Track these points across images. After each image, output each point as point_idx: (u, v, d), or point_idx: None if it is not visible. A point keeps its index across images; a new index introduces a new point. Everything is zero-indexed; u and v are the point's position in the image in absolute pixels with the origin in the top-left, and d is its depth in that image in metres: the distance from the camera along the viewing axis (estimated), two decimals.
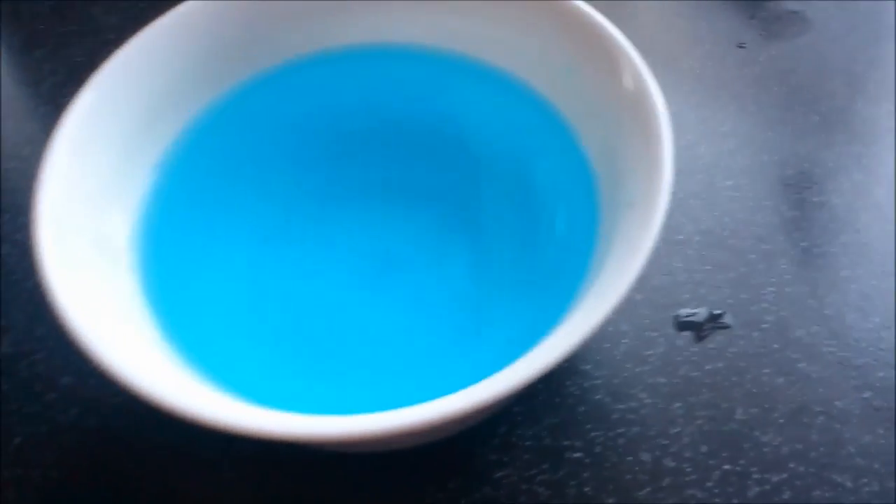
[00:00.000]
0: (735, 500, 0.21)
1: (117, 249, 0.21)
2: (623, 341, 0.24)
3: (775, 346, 0.23)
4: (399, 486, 0.22)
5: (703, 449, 0.22)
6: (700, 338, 0.24)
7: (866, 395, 0.22)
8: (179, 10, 0.23)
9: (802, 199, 0.26)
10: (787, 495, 0.21)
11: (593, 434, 0.22)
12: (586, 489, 0.22)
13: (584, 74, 0.22)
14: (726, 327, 0.24)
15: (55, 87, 0.30)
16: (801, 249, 0.25)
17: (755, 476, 0.22)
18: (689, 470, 0.22)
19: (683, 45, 0.29)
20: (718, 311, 0.24)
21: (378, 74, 0.24)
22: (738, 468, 0.22)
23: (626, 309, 0.24)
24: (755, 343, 0.24)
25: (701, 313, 0.24)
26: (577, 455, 0.22)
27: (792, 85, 0.28)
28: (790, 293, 0.24)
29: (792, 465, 0.22)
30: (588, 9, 0.21)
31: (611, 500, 0.21)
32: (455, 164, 0.23)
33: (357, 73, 0.24)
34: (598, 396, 0.23)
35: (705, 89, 0.28)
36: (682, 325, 0.24)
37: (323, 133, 0.24)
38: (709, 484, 0.22)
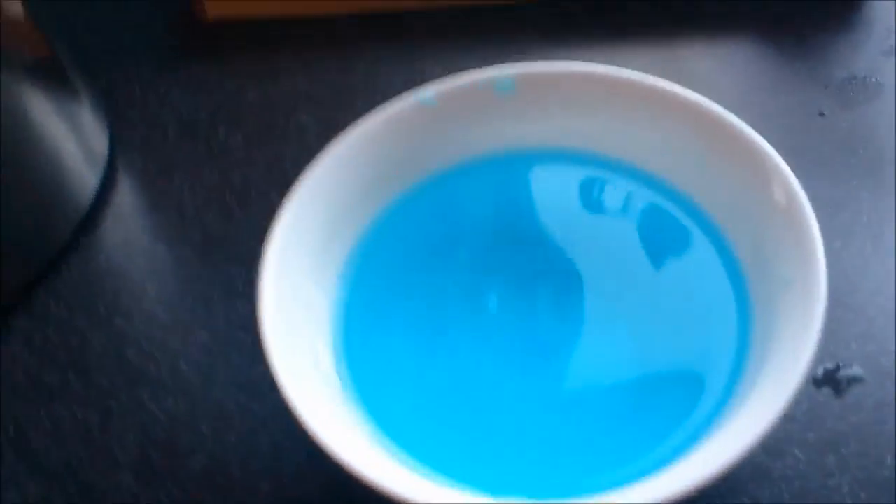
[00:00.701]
0: None
1: (322, 350, 0.24)
2: None
3: None
4: None
5: (863, 496, 0.23)
6: (839, 392, 0.25)
7: None
8: (352, 132, 0.24)
9: None
10: None
11: (759, 493, 0.24)
12: None
13: (733, 181, 0.24)
14: (861, 380, 0.25)
15: (197, 210, 0.32)
16: None
17: None
18: None
19: (768, 118, 0.31)
20: (850, 365, 0.25)
21: (533, 176, 0.26)
22: None
23: None
24: (890, 394, 0.25)
25: (835, 369, 0.25)
26: None
27: (876, 147, 0.30)
28: None
29: None
30: (739, 121, 0.23)
31: None
32: (604, 257, 0.25)
33: (513, 176, 0.26)
34: (756, 458, 0.24)
35: (796, 158, 0.29)
36: (820, 382, 0.25)
37: (485, 231, 0.26)
38: None
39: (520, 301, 0.24)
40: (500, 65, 0.26)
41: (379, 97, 0.33)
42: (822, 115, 0.31)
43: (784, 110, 0.31)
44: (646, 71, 0.30)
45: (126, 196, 0.33)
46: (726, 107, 0.25)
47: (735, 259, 0.24)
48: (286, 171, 0.32)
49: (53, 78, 0.32)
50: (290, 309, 0.23)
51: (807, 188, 0.29)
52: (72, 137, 0.32)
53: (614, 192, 0.26)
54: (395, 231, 0.25)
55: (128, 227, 0.32)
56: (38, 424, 0.27)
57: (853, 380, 0.25)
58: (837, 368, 0.25)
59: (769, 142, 0.30)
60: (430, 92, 0.25)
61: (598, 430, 0.22)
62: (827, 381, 0.25)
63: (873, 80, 0.32)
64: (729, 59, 0.34)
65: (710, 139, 0.24)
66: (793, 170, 0.29)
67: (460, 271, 0.25)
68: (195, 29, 0.37)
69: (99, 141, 0.33)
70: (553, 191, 0.26)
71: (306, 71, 0.35)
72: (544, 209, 0.26)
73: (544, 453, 0.22)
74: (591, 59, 0.33)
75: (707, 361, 0.23)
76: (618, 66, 0.33)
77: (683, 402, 0.22)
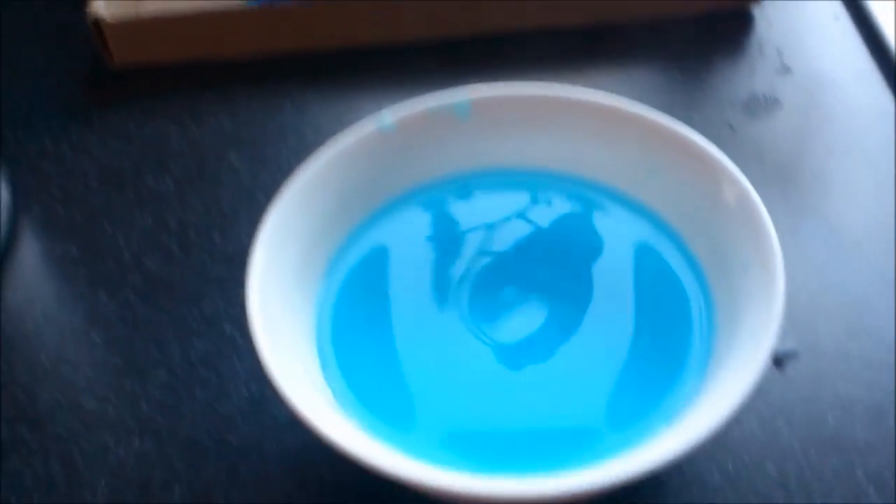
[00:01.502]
0: (849, 486, 0.30)
1: (306, 329, 0.30)
2: None
3: (839, 361, 0.32)
4: None
5: (813, 452, 0.30)
6: (780, 366, 0.32)
7: None
8: (316, 160, 0.30)
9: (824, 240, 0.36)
10: (888, 473, 0.30)
11: (723, 459, 0.30)
12: None
13: (684, 184, 0.31)
14: (797, 355, 0.33)
15: (135, 256, 0.36)
16: (834, 286, 0.34)
17: (858, 465, 0.30)
18: (808, 472, 0.30)
19: None
20: (786, 343, 0.33)
21: (495, 193, 0.33)
22: (843, 461, 0.30)
23: None
24: (823, 363, 0.32)
25: (775, 347, 0.33)
26: (717, 477, 0.30)
27: (782, 153, 0.38)
28: (839, 319, 0.33)
29: (883, 450, 0.30)
30: (686, 129, 0.31)
31: None
32: (569, 261, 0.31)
33: (475, 193, 0.33)
34: None
35: None
36: None
37: (450, 245, 0.32)
38: (826, 478, 0.30)
39: (491, 302, 0.30)
40: (456, 89, 0.32)
41: (310, 134, 0.40)
42: (731, 128, 0.40)
43: (698, 126, 0.39)
44: None
45: (49, 248, 0.37)
46: None
47: (691, 254, 0.31)
48: (224, 212, 0.37)
49: None
50: (276, 316, 0.28)
51: None
52: None
53: (573, 204, 0.32)
54: (367, 249, 0.31)
55: (61, 278, 0.36)
56: None
57: (790, 355, 0.33)
58: (778, 347, 0.33)
59: None
60: (389, 118, 0.31)
61: (578, 411, 0.28)
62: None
63: (772, 95, 0.41)
64: (642, 84, 0.42)
65: (660, 148, 0.31)
66: None
67: (431, 279, 0.31)
68: (104, 77, 0.43)
69: None
70: (514, 205, 0.32)
71: (231, 113, 0.41)
72: (506, 222, 0.32)
73: (525, 435, 0.28)
74: None
75: (678, 346, 0.29)
76: None
77: (658, 384, 0.29)
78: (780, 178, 0.38)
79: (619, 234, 0.32)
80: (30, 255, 0.37)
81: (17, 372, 0.33)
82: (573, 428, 0.28)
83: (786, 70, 0.42)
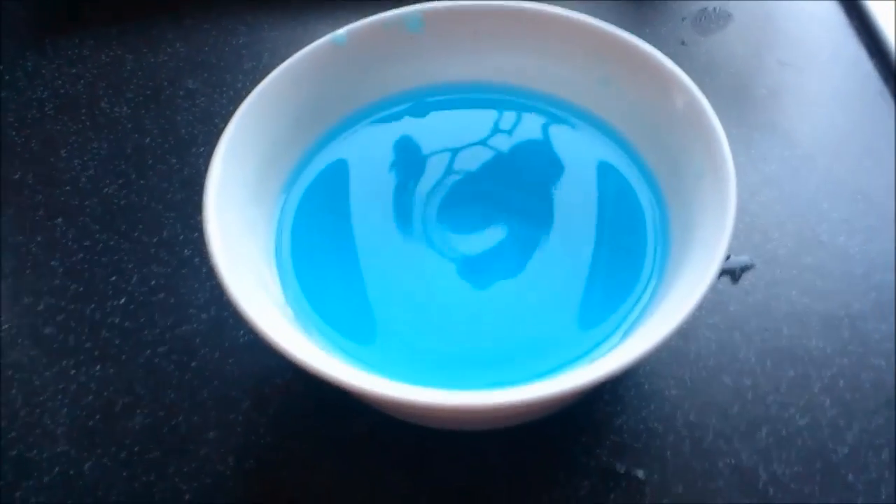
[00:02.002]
0: (804, 397, 0.27)
1: (264, 247, 0.27)
2: None
3: (794, 272, 0.30)
4: (544, 450, 0.27)
5: (768, 364, 0.28)
6: (735, 279, 0.30)
7: (873, 294, 0.29)
8: (273, 75, 0.27)
9: (781, 157, 0.33)
10: (843, 383, 0.28)
11: (680, 372, 0.28)
12: (691, 418, 0.27)
13: (636, 94, 0.28)
14: (751, 267, 0.30)
15: (92, 181, 0.33)
16: (787, 198, 0.32)
17: (813, 376, 0.28)
18: (763, 382, 0.28)
19: None
20: (740, 256, 0.30)
21: (450, 108, 0.30)
22: (799, 373, 0.28)
23: None
24: (777, 275, 0.30)
25: (730, 260, 0.30)
26: (675, 391, 0.28)
27: (733, 67, 0.35)
28: (793, 231, 0.31)
29: (838, 360, 0.28)
30: (644, 44, 0.28)
31: (713, 421, 0.27)
32: (525, 175, 0.29)
33: (430, 108, 0.30)
34: (672, 343, 0.29)
35: None
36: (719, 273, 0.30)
37: (408, 159, 0.29)
38: (782, 390, 0.28)
39: (452, 217, 0.28)
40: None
41: (266, 57, 0.36)
42: (683, 43, 0.36)
43: (650, 42, 0.36)
44: None
45: (6, 176, 0.33)
46: None
47: (646, 166, 0.28)
48: (182, 136, 0.34)
49: None
50: (234, 235, 0.25)
51: None
52: None
53: (530, 118, 0.29)
54: (325, 166, 0.28)
55: (18, 206, 0.33)
56: None
57: (745, 267, 0.30)
58: (732, 259, 0.30)
59: None
60: (342, 32, 0.28)
61: (538, 325, 0.26)
62: (723, 271, 0.30)
63: (723, 10, 0.38)
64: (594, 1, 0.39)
65: (611, 59, 0.28)
66: None
67: (391, 195, 0.28)
68: (57, 5, 0.38)
69: None
70: (471, 119, 0.29)
71: (185, 38, 0.37)
72: (465, 136, 0.29)
73: (489, 347, 0.26)
74: None
75: (634, 257, 0.27)
76: None
77: (615, 295, 0.26)
78: (733, 92, 0.35)
79: (574, 147, 0.29)
80: None
81: None
82: (533, 341, 0.26)
83: None
